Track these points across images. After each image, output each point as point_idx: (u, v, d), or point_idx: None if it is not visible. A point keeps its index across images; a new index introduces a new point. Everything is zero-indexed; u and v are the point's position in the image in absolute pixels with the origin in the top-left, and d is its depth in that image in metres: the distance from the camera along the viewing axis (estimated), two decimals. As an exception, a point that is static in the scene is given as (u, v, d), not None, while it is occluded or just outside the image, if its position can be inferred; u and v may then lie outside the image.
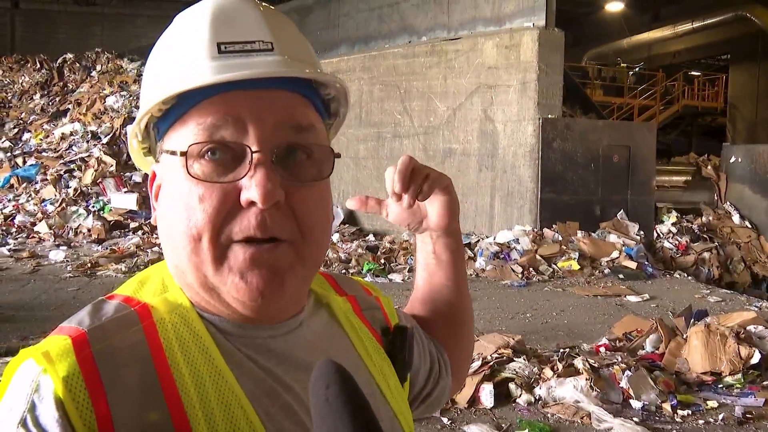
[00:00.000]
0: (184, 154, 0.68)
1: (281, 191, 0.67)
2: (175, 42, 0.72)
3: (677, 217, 11.90)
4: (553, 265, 9.16)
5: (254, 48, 0.69)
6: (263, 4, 0.74)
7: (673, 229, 11.52)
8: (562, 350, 5.03)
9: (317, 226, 0.71)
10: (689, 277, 9.61)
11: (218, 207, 0.67)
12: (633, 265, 9.19)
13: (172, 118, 0.71)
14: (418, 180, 0.89)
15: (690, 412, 4.24)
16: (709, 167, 13.20)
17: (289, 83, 0.71)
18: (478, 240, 10.14)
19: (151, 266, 0.79)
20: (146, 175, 0.79)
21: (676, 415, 4.20)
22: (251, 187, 0.66)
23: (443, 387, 0.99)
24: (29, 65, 19.02)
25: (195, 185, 0.68)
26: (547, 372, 4.58)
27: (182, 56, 0.70)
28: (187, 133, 0.69)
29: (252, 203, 0.67)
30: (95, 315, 0.68)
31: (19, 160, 14.00)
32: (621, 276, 8.87)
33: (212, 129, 0.68)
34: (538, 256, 9.27)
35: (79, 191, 12.38)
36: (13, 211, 11.93)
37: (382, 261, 9.44)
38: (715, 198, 12.90)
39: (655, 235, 11.19)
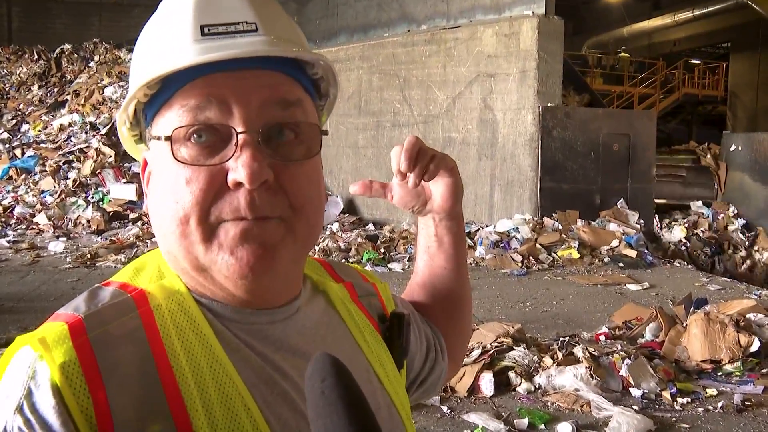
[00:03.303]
0: (169, 138, 0.67)
1: (269, 171, 0.67)
2: (159, 26, 0.72)
3: (686, 228, 11.13)
4: (553, 254, 9.17)
5: (238, 29, 0.68)
6: None
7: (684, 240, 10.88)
8: (561, 339, 5.03)
9: (309, 203, 0.71)
10: (689, 266, 9.61)
11: (205, 189, 0.67)
12: (633, 253, 9.20)
13: (159, 104, 0.70)
14: (425, 160, 0.90)
15: (689, 400, 4.26)
16: (709, 156, 13.17)
17: (275, 63, 0.70)
18: (478, 229, 10.14)
19: (146, 253, 0.79)
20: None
21: (675, 403, 4.22)
22: (238, 168, 0.66)
23: (439, 372, 0.99)
24: (27, 56, 18.96)
25: (182, 169, 0.67)
26: (547, 360, 4.60)
27: (166, 40, 0.69)
28: (172, 117, 0.68)
29: (239, 184, 0.66)
30: (91, 301, 0.68)
31: (18, 152, 13.99)
32: (621, 264, 8.88)
33: (196, 111, 0.67)
34: (537, 245, 9.28)
35: (78, 182, 12.38)
36: (13, 203, 11.94)
37: (382, 250, 9.44)
38: (715, 187, 12.89)
39: (657, 224, 11.13)
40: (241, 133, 0.67)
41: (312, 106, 0.75)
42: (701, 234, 11.15)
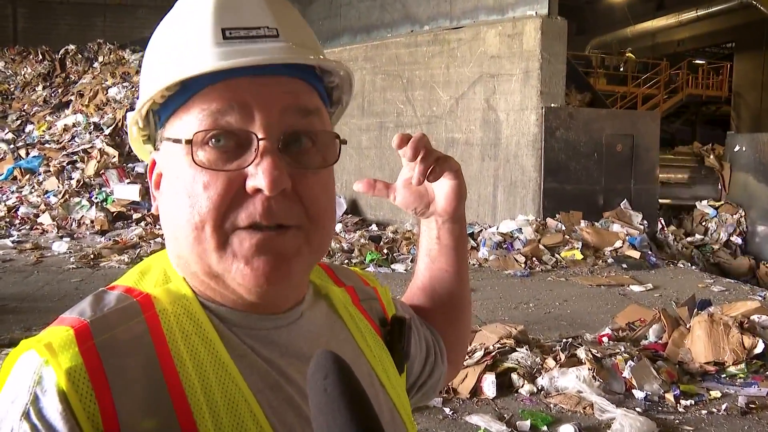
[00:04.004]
0: (189, 142, 0.67)
1: (288, 178, 0.67)
2: (177, 27, 0.71)
3: (693, 255, 10.87)
4: (556, 255, 9.16)
5: (259, 34, 0.68)
6: None
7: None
8: (564, 340, 5.02)
9: (324, 212, 0.71)
10: (692, 267, 9.59)
11: (223, 194, 0.66)
12: (636, 254, 9.18)
13: (174, 106, 0.70)
14: (430, 159, 0.89)
15: (693, 402, 4.24)
16: (712, 156, 13.12)
17: (294, 70, 0.70)
18: (481, 230, 10.13)
19: (150, 256, 0.78)
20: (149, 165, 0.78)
21: (678, 405, 4.21)
22: (258, 175, 0.66)
23: (438, 375, 0.99)
24: (31, 57, 18.98)
25: (199, 173, 0.67)
26: (550, 362, 4.59)
27: (186, 42, 0.69)
28: (191, 120, 0.68)
29: (258, 190, 0.66)
30: (97, 306, 0.68)
31: (22, 152, 14.01)
32: (624, 266, 8.86)
33: (217, 115, 0.67)
34: (541, 246, 9.26)
35: (81, 182, 12.40)
36: (17, 203, 11.96)
37: (385, 251, 9.44)
38: (719, 188, 12.84)
39: (661, 227, 11.09)
40: (261, 139, 0.67)
41: (326, 114, 0.75)
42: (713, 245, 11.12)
